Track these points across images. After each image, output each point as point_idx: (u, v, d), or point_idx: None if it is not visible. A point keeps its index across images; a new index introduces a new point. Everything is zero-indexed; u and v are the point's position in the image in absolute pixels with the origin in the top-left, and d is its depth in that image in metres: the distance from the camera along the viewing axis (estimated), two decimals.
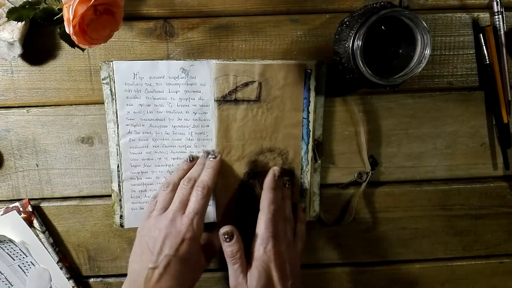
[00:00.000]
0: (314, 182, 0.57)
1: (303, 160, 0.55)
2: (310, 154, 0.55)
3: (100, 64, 0.52)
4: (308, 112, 0.54)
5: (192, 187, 0.49)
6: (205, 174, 0.51)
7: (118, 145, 0.54)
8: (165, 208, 0.49)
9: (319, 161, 0.56)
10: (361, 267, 0.61)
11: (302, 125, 0.55)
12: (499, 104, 0.56)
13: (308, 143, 0.55)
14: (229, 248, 0.49)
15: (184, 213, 0.48)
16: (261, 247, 0.48)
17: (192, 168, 0.52)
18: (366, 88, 0.54)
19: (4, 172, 0.56)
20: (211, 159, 0.52)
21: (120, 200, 0.55)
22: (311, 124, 0.55)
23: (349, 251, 0.60)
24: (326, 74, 0.54)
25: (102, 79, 0.53)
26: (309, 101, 0.54)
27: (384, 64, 0.52)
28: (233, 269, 0.48)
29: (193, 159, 0.53)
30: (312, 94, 0.54)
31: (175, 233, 0.46)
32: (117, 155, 0.54)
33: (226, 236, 0.49)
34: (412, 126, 0.58)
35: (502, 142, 0.58)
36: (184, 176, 0.51)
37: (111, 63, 0.52)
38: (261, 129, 0.54)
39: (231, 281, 0.48)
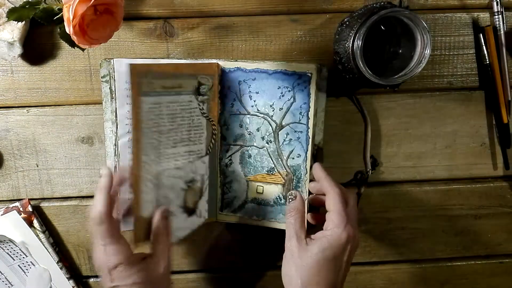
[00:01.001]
0: None
1: (302, 168, 0.53)
2: (309, 162, 0.53)
3: (100, 62, 0.52)
4: (308, 118, 0.52)
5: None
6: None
7: (116, 145, 0.53)
8: None
9: None
10: (361, 267, 0.61)
11: (301, 131, 0.53)
12: (499, 104, 0.56)
13: (307, 150, 0.53)
14: (288, 206, 0.49)
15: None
16: (341, 224, 0.45)
17: None
18: (366, 88, 0.53)
19: (4, 172, 0.56)
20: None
21: None
22: (310, 131, 0.52)
23: None
24: (327, 77, 0.53)
25: (102, 77, 0.52)
26: (309, 106, 0.52)
27: (384, 64, 0.52)
28: (287, 225, 0.47)
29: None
30: (312, 98, 0.52)
31: (97, 265, 0.45)
32: (115, 155, 0.54)
33: (290, 197, 0.50)
34: (412, 126, 0.58)
35: (502, 142, 0.58)
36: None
37: (112, 60, 0.51)
38: None
39: (286, 241, 0.47)
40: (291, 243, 0.46)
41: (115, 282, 0.43)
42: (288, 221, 0.48)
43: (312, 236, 0.46)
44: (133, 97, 0.45)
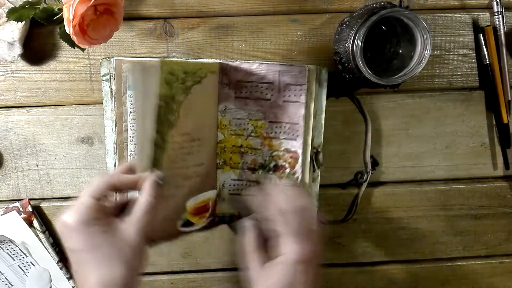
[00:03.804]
0: (312, 193, 0.55)
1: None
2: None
3: (100, 61, 0.52)
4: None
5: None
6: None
7: (115, 143, 0.53)
8: None
9: (318, 171, 0.55)
10: (361, 267, 0.61)
11: None
12: (499, 104, 0.56)
13: None
14: (241, 237, 0.47)
15: None
16: (293, 247, 0.43)
17: None
18: (366, 88, 0.54)
19: (4, 172, 0.56)
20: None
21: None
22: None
23: (349, 251, 0.60)
24: (327, 79, 0.53)
25: (102, 76, 0.52)
26: None
27: (384, 64, 0.52)
28: (243, 255, 0.46)
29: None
30: None
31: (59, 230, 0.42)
32: (114, 153, 0.54)
33: (242, 227, 0.48)
34: (412, 126, 0.58)
35: (502, 142, 0.58)
36: None
37: (112, 59, 0.51)
38: None
39: (245, 270, 0.45)
40: (249, 276, 0.45)
41: (70, 245, 0.39)
42: (243, 250, 0.46)
43: (271, 262, 0.43)
44: (118, 90, 0.50)
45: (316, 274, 0.44)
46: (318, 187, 0.56)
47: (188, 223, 0.53)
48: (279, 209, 0.45)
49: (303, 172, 0.54)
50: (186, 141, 0.49)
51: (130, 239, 0.40)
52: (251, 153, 0.54)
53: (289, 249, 0.43)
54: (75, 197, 0.57)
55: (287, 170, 0.54)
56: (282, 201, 0.46)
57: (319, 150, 0.55)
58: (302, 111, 0.52)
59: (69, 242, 0.40)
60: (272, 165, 0.54)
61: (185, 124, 0.48)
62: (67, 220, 0.40)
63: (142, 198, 0.42)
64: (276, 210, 0.45)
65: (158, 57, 0.54)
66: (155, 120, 0.45)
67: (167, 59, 0.49)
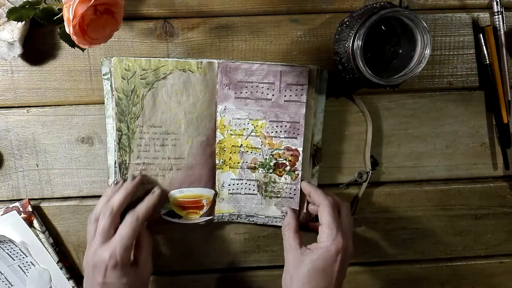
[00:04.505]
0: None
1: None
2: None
3: (101, 60, 0.52)
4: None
5: (110, 215, 0.49)
6: (115, 196, 0.51)
7: (116, 141, 0.53)
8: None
9: (317, 167, 0.56)
10: (361, 267, 0.61)
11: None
12: (499, 104, 0.56)
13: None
14: (283, 222, 0.54)
15: (107, 241, 0.48)
16: (330, 237, 0.48)
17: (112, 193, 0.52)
18: (366, 88, 0.54)
19: (4, 172, 0.56)
20: (129, 181, 0.53)
21: None
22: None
23: None
24: (327, 78, 0.54)
25: (103, 75, 0.53)
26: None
27: (384, 64, 0.52)
28: (284, 239, 0.52)
29: (117, 183, 0.53)
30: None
31: (99, 264, 0.47)
32: (115, 151, 0.54)
33: (282, 214, 0.56)
34: (412, 126, 0.58)
35: (502, 142, 0.58)
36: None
37: (113, 58, 0.52)
38: None
39: (284, 253, 0.51)
40: (287, 255, 0.50)
41: (108, 279, 0.47)
42: (283, 235, 0.52)
43: (309, 246, 0.49)
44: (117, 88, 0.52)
45: (347, 267, 0.49)
46: (317, 183, 0.56)
47: (173, 214, 0.56)
48: (327, 200, 0.50)
49: (303, 169, 0.54)
50: (158, 133, 0.53)
51: (144, 278, 0.52)
52: (251, 152, 0.54)
53: (331, 238, 0.47)
54: (75, 197, 0.57)
55: (287, 168, 0.54)
56: (330, 195, 0.51)
57: (319, 147, 0.55)
58: (303, 110, 0.53)
59: (107, 278, 0.47)
60: (272, 163, 0.54)
61: (152, 116, 0.52)
62: (115, 259, 0.47)
63: (141, 253, 0.51)
64: (325, 200, 0.50)
65: (158, 57, 0.54)
66: (115, 110, 0.52)
67: (123, 57, 0.51)
